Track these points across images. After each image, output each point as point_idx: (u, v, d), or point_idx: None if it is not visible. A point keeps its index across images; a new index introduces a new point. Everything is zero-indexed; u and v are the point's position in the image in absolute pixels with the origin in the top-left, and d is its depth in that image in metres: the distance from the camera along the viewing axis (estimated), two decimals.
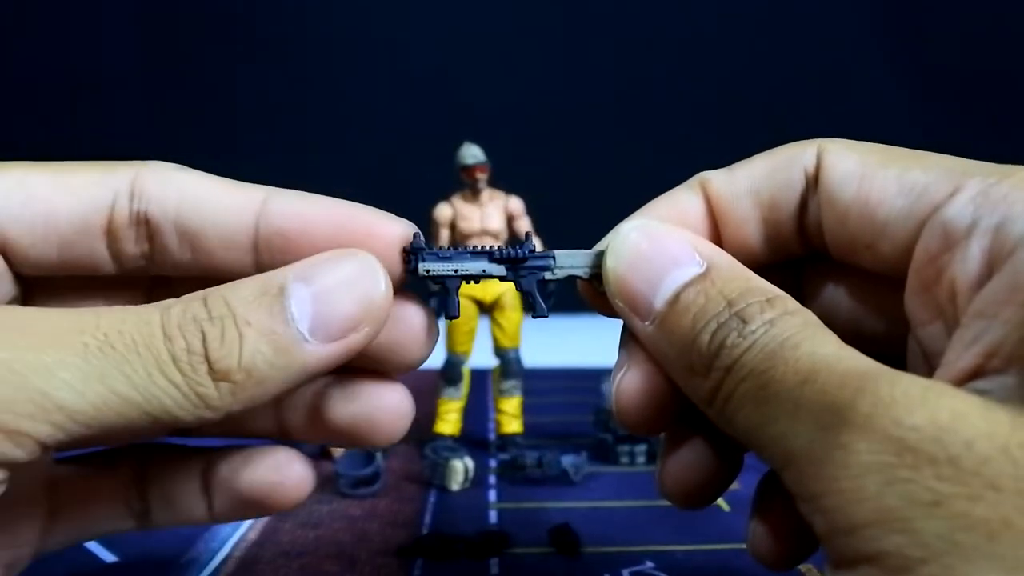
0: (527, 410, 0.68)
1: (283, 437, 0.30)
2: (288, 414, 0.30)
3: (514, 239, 0.67)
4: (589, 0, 1.46)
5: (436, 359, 0.67)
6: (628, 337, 0.28)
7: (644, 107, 1.45)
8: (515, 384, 0.67)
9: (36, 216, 0.27)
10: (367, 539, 0.49)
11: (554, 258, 0.29)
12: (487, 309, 0.67)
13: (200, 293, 0.24)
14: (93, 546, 0.48)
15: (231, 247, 0.27)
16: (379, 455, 0.58)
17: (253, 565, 0.46)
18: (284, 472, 0.29)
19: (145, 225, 0.27)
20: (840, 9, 1.44)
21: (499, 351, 0.67)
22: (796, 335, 0.22)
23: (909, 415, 0.19)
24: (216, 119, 1.52)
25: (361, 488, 0.57)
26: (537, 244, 0.30)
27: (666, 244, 0.26)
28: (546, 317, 0.30)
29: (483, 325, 0.67)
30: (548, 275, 0.30)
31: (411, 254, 0.29)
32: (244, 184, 0.28)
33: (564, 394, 0.83)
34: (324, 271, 0.25)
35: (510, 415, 0.67)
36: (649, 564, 0.45)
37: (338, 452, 0.61)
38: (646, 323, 0.25)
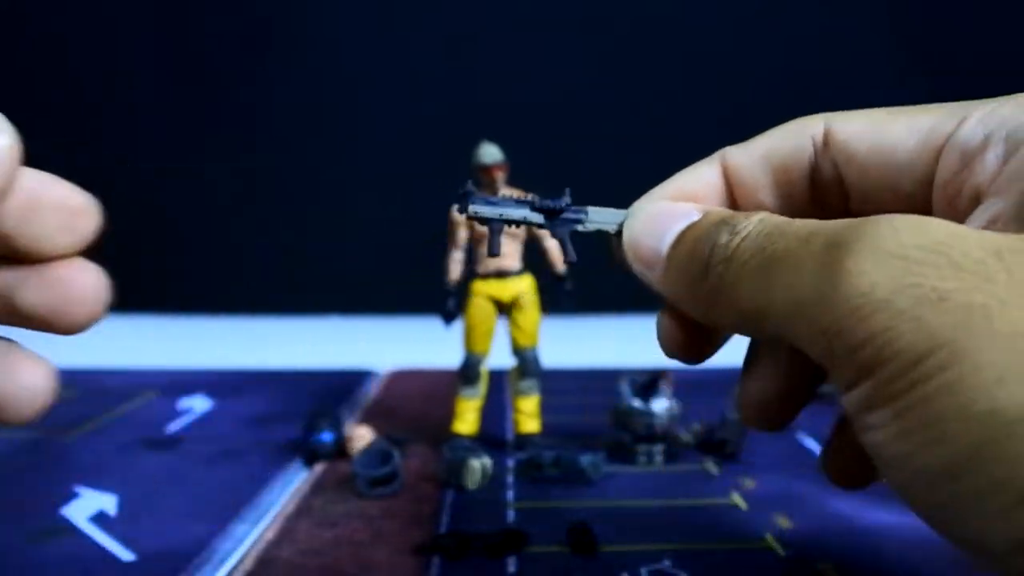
0: (545, 410, 0.68)
1: None
2: None
3: (531, 238, 0.66)
4: None
5: (454, 359, 0.67)
6: (748, 355, 0.32)
7: (662, 105, 1.45)
8: (533, 384, 0.67)
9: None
10: (384, 538, 0.49)
11: (586, 213, 0.33)
12: (505, 309, 0.66)
13: None
14: (110, 545, 0.48)
15: None
16: (396, 454, 0.58)
17: (270, 564, 0.46)
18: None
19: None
20: (857, 12, 1.43)
21: (517, 351, 0.67)
22: (788, 220, 0.25)
23: (912, 238, 0.21)
24: (234, 119, 1.53)
25: (378, 487, 0.57)
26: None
27: (670, 208, 0.29)
28: (575, 261, 0.34)
29: (501, 325, 0.67)
30: (580, 227, 0.33)
31: (463, 197, 0.33)
32: None
33: (582, 394, 0.83)
34: None
35: (528, 415, 0.67)
36: (667, 563, 0.45)
37: (355, 451, 0.61)
38: (656, 271, 0.29)
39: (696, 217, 0.28)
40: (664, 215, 0.29)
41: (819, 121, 0.31)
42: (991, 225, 0.24)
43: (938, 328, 0.20)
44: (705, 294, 0.26)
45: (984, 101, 0.27)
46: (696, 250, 0.27)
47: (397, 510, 0.54)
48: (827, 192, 0.31)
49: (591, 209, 0.33)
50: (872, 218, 0.22)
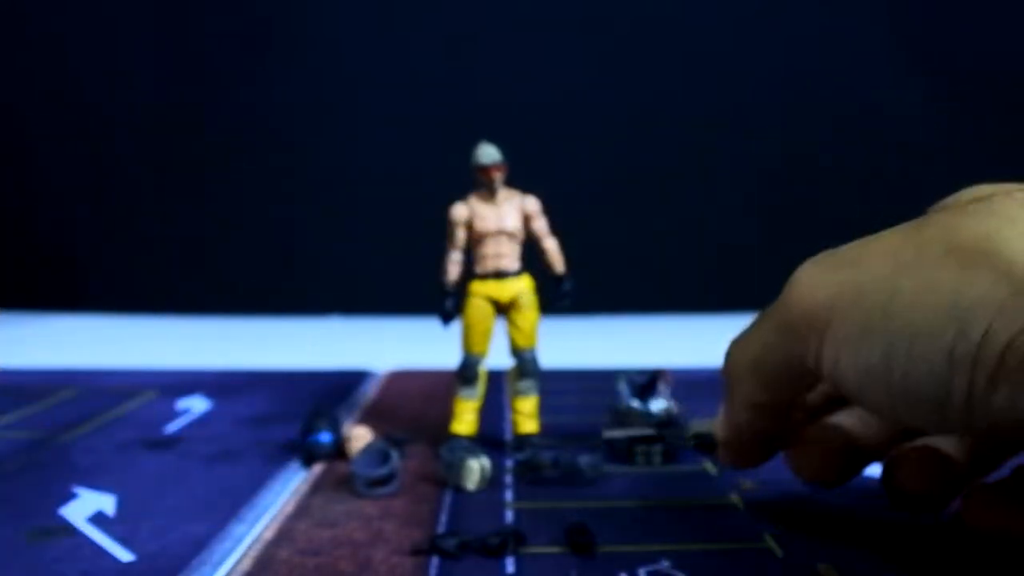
0: (543, 410, 0.68)
1: None
2: None
3: (530, 239, 0.67)
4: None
5: (452, 360, 0.67)
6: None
7: (660, 106, 1.45)
8: (531, 384, 0.67)
9: None
10: (383, 538, 0.49)
11: (687, 424, 0.53)
12: (503, 309, 0.66)
13: None
14: (109, 545, 0.48)
15: None
16: (395, 455, 0.58)
17: (268, 564, 0.46)
18: None
19: None
20: (857, 12, 1.43)
21: (515, 351, 0.67)
22: None
23: (829, 253, 0.36)
24: (234, 120, 1.53)
25: (377, 488, 0.57)
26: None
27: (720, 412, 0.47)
28: (689, 449, 0.57)
29: (500, 325, 0.67)
30: (685, 433, 0.54)
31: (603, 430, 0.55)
32: None
33: (580, 394, 0.83)
34: None
35: (526, 415, 0.67)
36: (665, 563, 0.45)
37: (354, 452, 0.61)
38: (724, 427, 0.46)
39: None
40: (720, 415, 0.47)
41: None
42: None
43: (836, 290, 0.32)
44: (730, 392, 0.43)
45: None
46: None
47: (396, 510, 0.54)
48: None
49: (693, 422, 0.53)
50: None
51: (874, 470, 0.60)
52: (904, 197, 0.42)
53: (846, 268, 0.32)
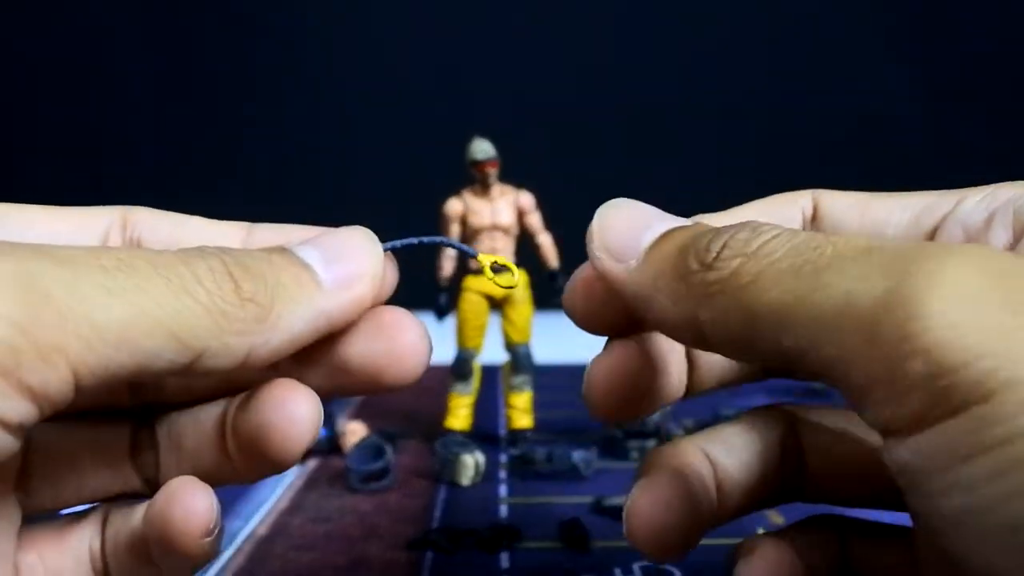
0: (537, 405, 0.68)
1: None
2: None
3: (524, 234, 0.67)
4: None
5: (447, 355, 0.67)
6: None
7: (654, 101, 1.45)
8: (525, 379, 0.67)
9: (39, 240, 0.25)
10: (377, 533, 0.49)
11: None
12: (498, 304, 0.66)
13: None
14: None
15: None
16: (389, 450, 0.59)
17: (264, 559, 0.46)
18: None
19: None
20: (850, 9, 1.43)
21: (509, 346, 0.67)
22: (828, 233, 0.20)
23: (1002, 260, 0.17)
24: (230, 123, 1.52)
25: (371, 483, 0.57)
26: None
27: (657, 210, 0.25)
28: None
29: (494, 320, 0.67)
30: None
31: None
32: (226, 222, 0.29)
33: (574, 390, 0.83)
34: (325, 237, 0.25)
35: (520, 410, 0.67)
36: None
37: (348, 447, 0.61)
38: (629, 262, 0.24)
39: (685, 221, 0.24)
40: (650, 213, 0.25)
41: (807, 195, 0.29)
42: None
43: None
44: (703, 286, 0.21)
45: (978, 188, 0.25)
46: (695, 244, 0.22)
47: (390, 505, 0.54)
48: None
49: None
50: (944, 244, 0.18)
51: None
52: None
53: None
